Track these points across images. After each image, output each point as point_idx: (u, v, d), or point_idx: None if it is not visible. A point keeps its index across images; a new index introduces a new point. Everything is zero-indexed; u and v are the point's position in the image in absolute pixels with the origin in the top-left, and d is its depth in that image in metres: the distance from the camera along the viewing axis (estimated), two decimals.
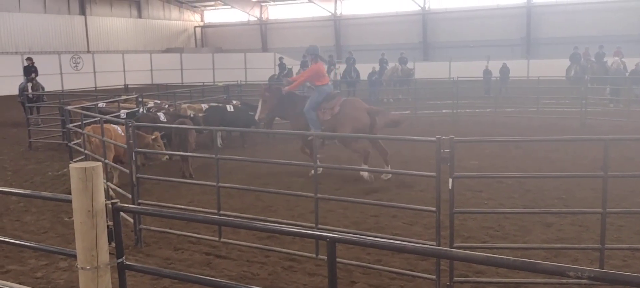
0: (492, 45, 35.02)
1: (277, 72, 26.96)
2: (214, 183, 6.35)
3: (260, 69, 34.99)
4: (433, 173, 4.81)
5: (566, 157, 10.77)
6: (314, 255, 5.83)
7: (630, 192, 7.96)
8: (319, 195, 5.87)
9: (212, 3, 47.25)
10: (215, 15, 49.20)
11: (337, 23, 42.84)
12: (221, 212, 6.52)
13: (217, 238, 6.37)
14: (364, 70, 24.91)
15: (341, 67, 25.21)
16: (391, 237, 6.20)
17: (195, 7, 48.58)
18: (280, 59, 29.07)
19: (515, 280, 5.09)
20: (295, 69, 25.03)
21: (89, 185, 2.97)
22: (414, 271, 5.40)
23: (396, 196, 8.38)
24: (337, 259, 5.54)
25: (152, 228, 6.75)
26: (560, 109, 17.74)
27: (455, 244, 5.13)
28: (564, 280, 4.53)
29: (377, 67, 25.33)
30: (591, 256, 5.62)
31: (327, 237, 2.41)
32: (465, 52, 35.93)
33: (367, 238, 2.38)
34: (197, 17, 49.40)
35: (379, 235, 6.22)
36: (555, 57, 28.47)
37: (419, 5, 39.64)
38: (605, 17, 33.24)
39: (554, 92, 21.05)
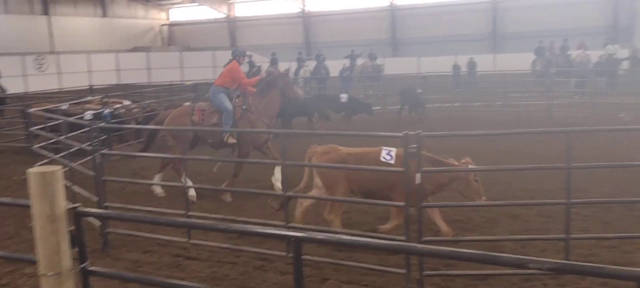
0: (460, 40, 35.45)
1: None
2: (182, 184, 6.26)
3: None
4: (401, 169, 4.83)
5: (533, 149, 10.96)
6: (285, 254, 5.80)
7: (596, 182, 8.15)
8: (289, 193, 5.84)
9: (179, 1, 46.64)
10: (181, 13, 48.57)
11: (306, 20, 42.78)
12: (191, 213, 6.44)
13: (186, 240, 6.29)
14: (334, 66, 24.95)
15: (311, 64, 25.18)
16: (362, 233, 6.21)
17: (160, 5, 47.86)
18: (249, 56, 28.88)
19: (484, 271, 5.16)
20: (265, 67, 24.90)
21: (48, 190, 2.90)
22: (385, 266, 5.42)
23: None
24: (308, 257, 5.58)
25: (119, 231, 6.62)
26: (527, 102, 18.08)
27: (425, 238, 5.17)
28: (526, 271, 4.61)
29: (348, 64, 25.39)
30: (557, 246, 5.72)
31: (293, 236, 2.39)
32: (433, 47, 36.27)
33: (332, 236, 2.36)
34: (163, 15, 48.70)
35: (350, 231, 6.24)
36: (521, 51, 28.94)
37: (388, 1, 39.88)
38: (569, 11, 33.99)
39: (520, 85, 21.43)
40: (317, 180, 6.43)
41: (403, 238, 5.09)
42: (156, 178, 8.71)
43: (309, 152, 6.49)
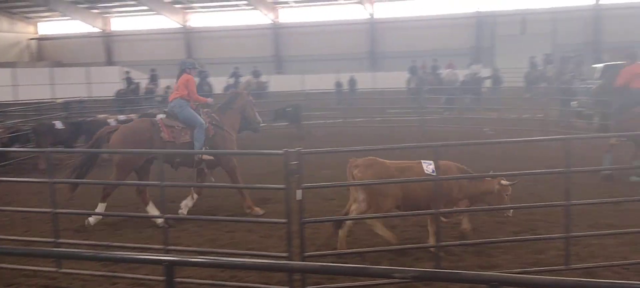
0: (341, 58, 36.66)
1: (124, 87, 25.58)
2: (50, 210, 5.80)
3: (106, 83, 32.87)
4: (282, 186, 4.86)
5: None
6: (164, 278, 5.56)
7: None
8: (168, 215, 5.63)
9: (47, 13, 43.49)
10: (52, 27, 45.33)
11: (187, 35, 41.91)
12: (60, 240, 5.97)
13: (56, 269, 5.82)
14: (218, 83, 24.64)
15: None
16: (245, 252, 6.15)
17: (28, 17, 44.37)
18: (127, 72, 27.63)
19: (364, 282, 5.31)
20: (144, 83, 23.96)
21: None
22: (269, 284, 5.40)
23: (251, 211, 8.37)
24: (190, 280, 5.41)
25: None
26: (403, 118, 19.05)
27: (307, 253, 5.22)
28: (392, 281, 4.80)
29: (232, 81, 25.23)
30: (431, 254, 6.05)
31: (164, 260, 2.30)
32: (317, 65, 37.17)
33: (205, 259, 2.31)
34: (31, 28, 45.17)
35: (234, 251, 6.15)
36: (397, 70, 30.58)
37: (270, 19, 40.27)
38: (439, 33, 36.60)
39: (397, 102, 22.56)
40: (358, 194, 6.25)
41: (285, 254, 5.10)
42: (100, 208, 7.74)
43: (350, 165, 6.34)
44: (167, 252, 5.45)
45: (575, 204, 5.65)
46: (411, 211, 6.21)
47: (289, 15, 41.21)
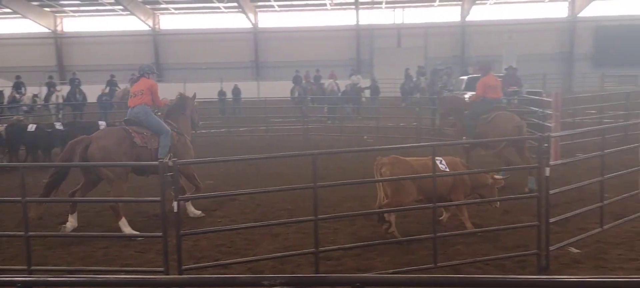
0: (225, 67, 36.29)
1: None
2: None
3: None
4: (158, 198, 4.71)
5: (292, 171, 11.71)
6: None
7: (344, 198, 9.06)
8: (30, 233, 5.22)
9: None
10: None
11: (58, 41, 39.19)
12: None
13: None
14: (92, 92, 23.28)
15: (64, 89, 23.09)
16: (119, 268, 5.87)
17: None
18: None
19: None
20: (7, 91, 21.97)
21: None
22: None
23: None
24: None
25: None
26: (287, 127, 19.27)
27: (185, 266, 5.10)
28: None
29: (108, 90, 23.98)
30: (312, 259, 6.16)
31: (17, 282, 2.13)
32: (199, 73, 36.45)
33: (66, 278, 2.18)
34: None
35: (108, 268, 5.84)
36: (281, 79, 30.90)
37: (149, 26, 38.84)
38: (321, 44, 37.58)
39: (281, 111, 22.75)
40: (383, 191, 6.78)
41: (161, 269, 4.94)
42: (71, 220, 7.49)
43: (377, 164, 6.85)
44: (31, 272, 5.05)
45: (440, 206, 6.05)
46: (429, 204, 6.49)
47: (169, 22, 40.04)
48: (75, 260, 6.50)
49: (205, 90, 27.50)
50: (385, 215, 6.78)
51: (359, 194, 9.28)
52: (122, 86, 24.09)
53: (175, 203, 4.65)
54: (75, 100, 21.83)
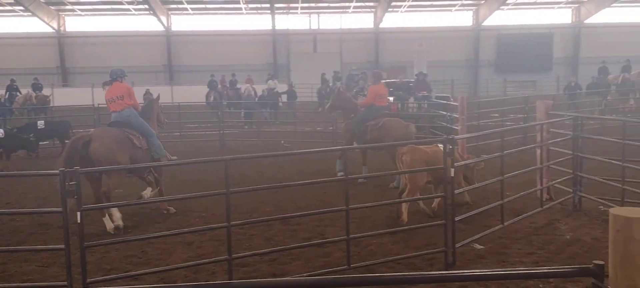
0: (136, 71, 34.98)
1: None
2: None
3: None
4: (59, 209, 4.46)
5: (207, 178, 11.50)
6: None
7: (260, 203, 9.01)
8: None
9: None
10: None
11: None
12: None
13: None
14: None
15: None
16: (20, 284, 5.50)
17: None
18: None
19: None
20: None
21: None
22: None
23: (30, 237, 7.52)
24: None
25: None
26: (202, 132, 18.90)
27: (91, 279, 4.86)
28: None
29: (7, 95, 22.44)
30: (226, 267, 6.07)
31: None
32: (108, 77, 34.91)
33: None
34: None
35: (6, 285, 5.45)
36: (195, 84, 30.28)
37: (53, 28, 36.75)
38: (237, 48, 37.22)
39: (196, 116, 22.28)
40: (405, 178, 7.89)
41: (64, 284, 4.68)
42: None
43: (399, 153, 7.93)
44: None
45: (353, 208, 6.17)
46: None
47: (75, 24, 38.12)
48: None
49: None
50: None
51: (276, 199, 9.27)
52: (24, 91, 22.62)
53: (78, 213, 4.42)
54: None
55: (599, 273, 2.33)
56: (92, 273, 5.61)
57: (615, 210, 2.32)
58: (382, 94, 11.28)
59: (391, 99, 17.16)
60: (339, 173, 10.52)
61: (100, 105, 17.58)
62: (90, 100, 26.78)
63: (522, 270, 4.89)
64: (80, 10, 37.25)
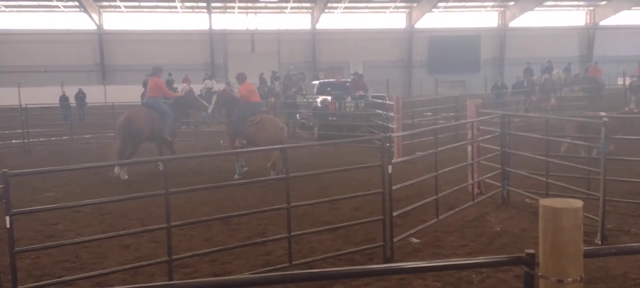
0: (67, 70, 33.65)
1: None
2: None
3: None
4: None
5: (143, 179, 11.25)
6: None
7: (199, 203, 8.92)
8: None
9: None
10: None
11: None
12: None
13: None
14: None
15: None
16: None
17: None
18: None
19: None
20: None
21: None
22: None
23: None
24: None
25: None
26: None
27: (24, 286, 4.68)
28: None
29: None
30: (165, 269, 5.98)
31: None
32: (36, 77, 33.36)
33: None
34: None
35: None
36: (130, 83, 29.40)
37: None
38: (173, 48, 36.41)
39: None
40: None
41: None
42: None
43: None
44: None
45: (294, 206, 6.24)
46: None
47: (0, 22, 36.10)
48: None
49: (44, 95, 25.32)
50: None
51: (215, 199, 9.21)
52: None
53: (7, 218, 4.24)
54: None
55: (531, 262, 2.50)
56: (22, 280, 5.40)
57: (545, 202, 2.49)
58: (252, 89, 12.17)
59: (329, 98, 17.38)
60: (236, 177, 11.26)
61: (28, 105, 16.79)
62: (16, 100, 25.47)
63: (457, 261, 5.11)
64: (3, 6, 35.31)
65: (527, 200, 8.59)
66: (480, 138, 8.91)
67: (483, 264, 4.19)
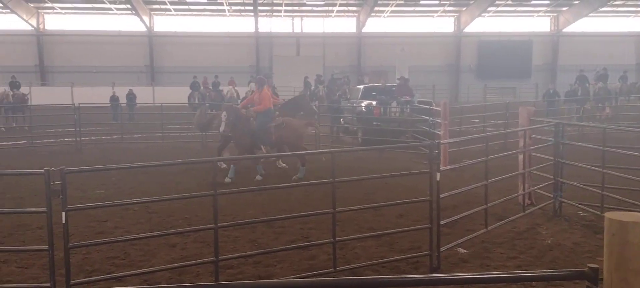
0: (118, 71, 34.69)
1: None
2: None
3: None
4: (43, 209, 4.39)
5: (189, 180, 11.42)
6: None
7: (244, 205, 8.97)
8: None
9: None
10: None
11: None
12: None
13: None
14: None
15: None
16: (0, 285, 5.39)
17: None
18: None
19: None
20: None
21: None
22: None
23: (9, 238, 7.39)
24: None
25: None
26: (184, 134, 18.75)
27: (76, 280, 4.79)
28: None
29: None
30: (211, 269, 6.03)
31: None
32: (88, 77, 34.54)
33: None
34: None
35: None
36: (177, 85, 30.07)
37: (32, 25, 36.16)
38: (220, 50, 37.05)
39: (178, 118, 22.10)
40: None
41: (47, 285, 4.61)
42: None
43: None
44: None
45: (340, 211, 6.18)
46: None
47: (55, 22, 37.57)
48: None
49: (96, 95, 26.17)
50: None
51: (259, 201, 9.25)
52: (0, 89, 22.22)
53: (63, 214, 4.35)
54: None
55: (594, 277, 2.37)
56: (74, 275, 5.53)
57: (611, 215, 2.36)
58: (270, 95, 12.46)
59: (374, 102, 17.25)
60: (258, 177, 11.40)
61: (81, 105, 17.36)
62: (69, 99, 26.45)
63: (512, 273, 4.94)
64: (60, 8, 36.75)
65: (580, 212, 8.27)
66: (533, 147, 8.62)
67: (542, 277, 4.01)
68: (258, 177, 11.42)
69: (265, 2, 35.75)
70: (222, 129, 11.71)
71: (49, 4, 36.03)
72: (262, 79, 12.29)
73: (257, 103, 11.84)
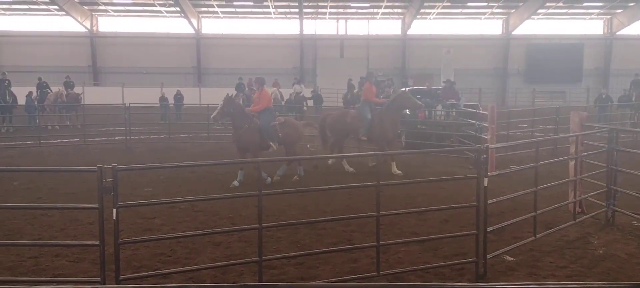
0: (166, 72, 35.53)
1: None
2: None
3: None
4: (96, 205, 4.52)
5: (233, 179, 11.55)
6: None
7: (286, 206, 9.02)
8: None
9: None
10: None
11: None
12: None
13: None
14: (21, 93, 22.20)
15: None
16: (52, 279, 5.59)
17: None
18: None
19: None
20: None
21: None
22: None
23: (61, 233, 7.65)
24: None
25: None
26: (229, 134, 18.98)
27: (124, 276, 4.92)
28: None
29: (37, 92, 22.97)
30: (254, 268, 6.09)
31: None
32: (138, 78, 35.51)
33: None
34: None
35: (38, 278, 5.55)
36: (223, 86, 30.52)
37: (86, 27, 37.48)
38: (265, 52, 37.46)
39: None
40: None
41: (98, 279, 4.75)
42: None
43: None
44: None
45: (384, 215, 6.13)
46: None
47: (108, 24, 38.83)
48: (2, 270, 6.14)
49: (145, 95, 26.85)
50: None
51: (301, 202, 9.27)
52: (55, 89, 23.09)
53: (114, 210, 4.48)
54: (5, 102, 20.68)
55: None
56: (122, 270, 5.68)
57: None
58: (270, 96, 12.51)
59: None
60: (233, 183, 10.97)
61: (131, 105, 17.87)
62: (120, 99, 27.25)
63: (554, 284, 4.79)
64: (113, 10, 37.95)
65: (635, 222, 7.93)
66: (585, 153, 8.33)
67: None
68: (296, 177, 11.59)
69: (310, 4, 35.89)
70: (213, 116, 11.54)
71: (103, 7, 37.28)
72: (262, 79, 12.24)
73: (256, 103, 11.96)
